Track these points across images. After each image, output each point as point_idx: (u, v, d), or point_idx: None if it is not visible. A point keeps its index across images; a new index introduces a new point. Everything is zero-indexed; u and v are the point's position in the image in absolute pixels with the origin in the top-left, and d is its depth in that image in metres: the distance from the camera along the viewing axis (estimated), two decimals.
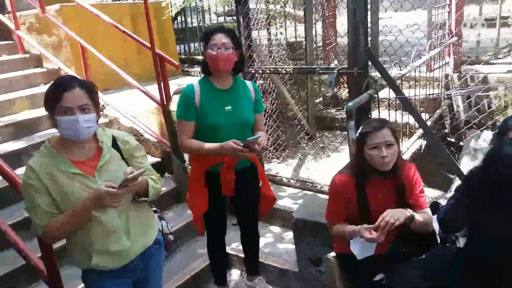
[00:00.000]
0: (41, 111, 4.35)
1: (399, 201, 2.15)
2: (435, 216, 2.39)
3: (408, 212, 2.06)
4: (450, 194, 3.87)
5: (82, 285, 2.05)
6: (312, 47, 4.61)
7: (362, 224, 2.06)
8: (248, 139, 2.28)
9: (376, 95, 3.06)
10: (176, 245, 3.39)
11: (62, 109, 1.73)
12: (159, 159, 4.12)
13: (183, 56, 6.88)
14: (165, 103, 3.77)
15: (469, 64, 4.75)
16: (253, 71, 3.53)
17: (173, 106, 3.66)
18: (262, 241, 3.34)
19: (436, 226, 2.36)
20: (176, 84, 4.70)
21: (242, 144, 2.28)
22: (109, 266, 1.86)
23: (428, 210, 2.23)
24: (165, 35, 6.12)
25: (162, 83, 3.76)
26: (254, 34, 3.82)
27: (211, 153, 2.39)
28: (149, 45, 3.82)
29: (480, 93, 4.26)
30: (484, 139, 4.72)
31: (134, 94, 4.47)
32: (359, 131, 2.15)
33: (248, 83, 2.59)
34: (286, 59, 4.69)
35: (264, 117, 4.24)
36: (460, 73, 4.67)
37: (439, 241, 2.31)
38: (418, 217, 2.08)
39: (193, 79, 5.68)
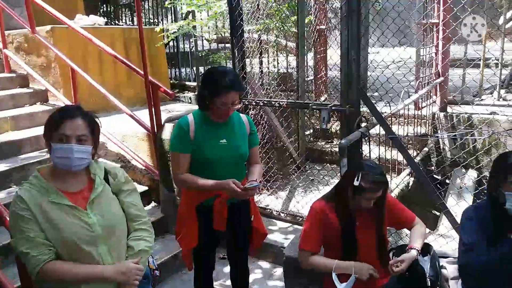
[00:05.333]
0: (25, 133, 4.26)
1: (379, 227, 2.31)
2: (426, 257, 2.41)
3: (415, 251, 2.24)
4: (437, 232, 3.90)
5: None
6: (304, 80, 4.67)
7: (341, 255, 2.25)
8: (248, 186, 2.28)
9: (368, 133, 3.09)
10: (161, 278, 3.29)
11: (60, 136, 1.70)
12: (146, 187, 4.03)
13: (174, 81, 6.88)
14: (156, 131, 3.73)
15: (453, 103, 4.88)
16: (247, 103, 3.54)
17: (165, 134, 3.63)
18: (251, 277, 3.25)
19: (426, 268, 2.36)
20: (165, 110, 4.67)
21: (241, 187, 2.26)
22: None
23: (418, 220, 2.44)
24: (158, 60, 6.12)
25: (153, 110, 3.72)
26: (247, 62, 3.84)
27: (207, 189, 2.35)
28: (141, 71, 3.80)
29: (466, 136, 4.37)
30: (469, 178, 4.81)
31: (123, 119, 4.42)
32: (359, 181, 2.17)
33: (243, 116, 2.58)
34: (277, 90, 4.72)
35: None
36: (446, 112, 4.79)
37: (428, 284, 2.31)
38: (418, 246, 2.28)
39: (183, 106, 5.71)
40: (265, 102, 3.51)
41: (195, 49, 6.75)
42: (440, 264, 2.42)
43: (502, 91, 5.32)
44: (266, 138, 4.33)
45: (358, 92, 2.98)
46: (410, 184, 4.38)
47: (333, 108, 3.07)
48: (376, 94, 4.66)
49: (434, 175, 4.89)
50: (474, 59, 5.04)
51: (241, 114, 2.59)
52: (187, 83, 6.79)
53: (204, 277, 2.73)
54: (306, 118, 5.07)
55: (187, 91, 6.49)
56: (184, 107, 5.55)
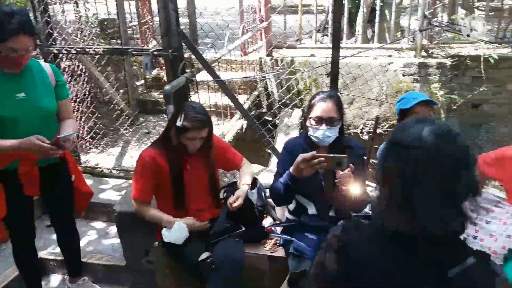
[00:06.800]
0: None
1: (210, 167, 2.38)
2: (254, 190, 2.57)
3: (245, 186, 2.42)
4: (269, 168, 4.22)
5: None
6: (125, 26, 4.33)
7: (175, 201, 2.30)
8: (58, 136, 2.02)
9: (194, 78, 3.06)
10: None
11: None
12: None
13: None
14: None
15: (278, 47, 5.18)
16: (56, 51, 3.11)
17: None
18: (85, 240, 3.15)
19: (254, 199, 2.53)
20: None
21: (48, 142, 1.99)
22: None
23: (245, 161, 2.58)
24: None
25: None
26: (57, 8, 3.34)
27: (7, 151, 2.02)
28: None
29: (287, 75, 4.70)
30: (295, 117, 5.28)
31: None
32: (181, 121, 2.18)
33: (45, 65, 2.25)
34: (95, 38, 4.27)
35: (75, 103, 3.86)
36: (272, 57, 5.06)
37: (257, 213, 2.48)
38: (248, 181, 2.45)
39: None
40: (78, 49, 3.13)
41: None
42: (267, 194, 2.61)
43: (319, 35, 5.86)
44: (87, 91, 3.93)
45: (179, 35, 2.87)
46: (244, 126, 4.59)
47: (155, 53, 2.92)
48: (208, 40, 4.64)
49: (266, 117, 5.22)
50: (294, 5, 5.38)
51: (43, 63, 2.26)
52: None
53: (23, 248, 2.45)
54: (135, 67, 4.79)
55: None
56: None
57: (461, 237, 2.44)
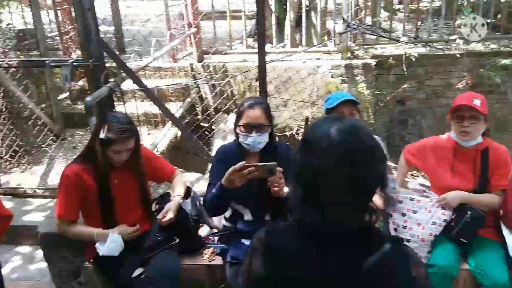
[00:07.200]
0: None
1: (140, 180, 2.31)
2: (188, 200, 2.52)
3: (177, 198, 2.34)
4: (207, 175, 4.17)
5: None
6: (44, 36, 4.08)
7: (103, 218, 2.20)
8: None
9: (117, 88, 2.94)
10: None
11: None
12: None
13: None
14: None
15: (211, 54, 5.15)
16: None
17: None
18: (9, 266, 2.95)
19: (188, 209, 2.47)
20: None
21: None
22: None
23: (178, 172, 2.52)
24: None
25: None
26: None
27: None
28: None
29: (221, 81, 4.69)
30: (231, 121, 5.26)
31: None
32: (105, 133, 2.09)
33: None
34: (8, 50, 3.99)
35: None
36: (203, 62, 5.02)
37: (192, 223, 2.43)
38: (180, 192, 2.37)
39: None
40: None
41: None
42: (202, 203, 2.57)
43: (250, 40, 5.90)
44: (3, 106, 3.65)
45: (99, 44, 2.75)
46: (179, 134, 4.50)
47: (75, 64, 2.78)
48: (137, 48, 4.51)
49: (201, 123, 5.16)
50: (223, 11, 5.38)
51: None
52: None
53: None
54: (58, 80, 4.52)
55: None
56: None
57: (392, 227, 2.56)
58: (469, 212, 2.26)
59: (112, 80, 2.90)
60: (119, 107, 3.07)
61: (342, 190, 0.97)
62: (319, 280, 0.99)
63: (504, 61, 5.26)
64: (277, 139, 2.70)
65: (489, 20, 5.63)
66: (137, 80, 2.91)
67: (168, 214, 2.22)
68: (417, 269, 0.99)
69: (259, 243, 1.08)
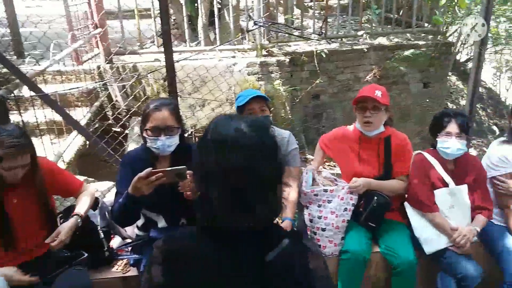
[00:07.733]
0: None
1: (41, 196, 2.11)
2: (96, 211, 2.37)
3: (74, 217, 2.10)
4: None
5: None
6: None
7: (1, 242, 1.98)
8: None
9: (11, 95, 2.67)
10: None
11: None
12: None
13: None
14: None
15: (119, 54, 4.90)
16: None
17: None
18: None
19: (96, 221, 2.33)
20: None
21: None
22: None
23: (86, 186, 2.33)
24: None
25: None
26: None
27: None
28: None
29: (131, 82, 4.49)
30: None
31: None
32: None
33: None
34: None
35: None
36: (112, 63, 4.76)
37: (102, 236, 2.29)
38: (82, 210, 2.16)
39: None
40: None
41: None
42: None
43: (161, 40, 5.73)
44: None
45: None
46: (88, 142, 4.22)
47: None
48: (39, 52, 4.12)
49: (113, 128, 4.89)
50: (131, 10, 5.15)
51: None
52: None
53: None
54: None
55: None
56: None
57: (308, 219, 2.61)
58: (375, 198, 2.39)
59: (3, 87, 2.62)
60: (13, 116, 2.79)
61: (235, 188, 0.96)
62: (219, 281, 0.97)
63: (406, 53, 5.70)
64: (196, 139, 2.62)
65: (391, 16, 6.06)
66: (32, 86, 2.66)
67: (59, 236, 1.98)
68: (315, 261, 1.01)
69: (157, 251, 1.05)
